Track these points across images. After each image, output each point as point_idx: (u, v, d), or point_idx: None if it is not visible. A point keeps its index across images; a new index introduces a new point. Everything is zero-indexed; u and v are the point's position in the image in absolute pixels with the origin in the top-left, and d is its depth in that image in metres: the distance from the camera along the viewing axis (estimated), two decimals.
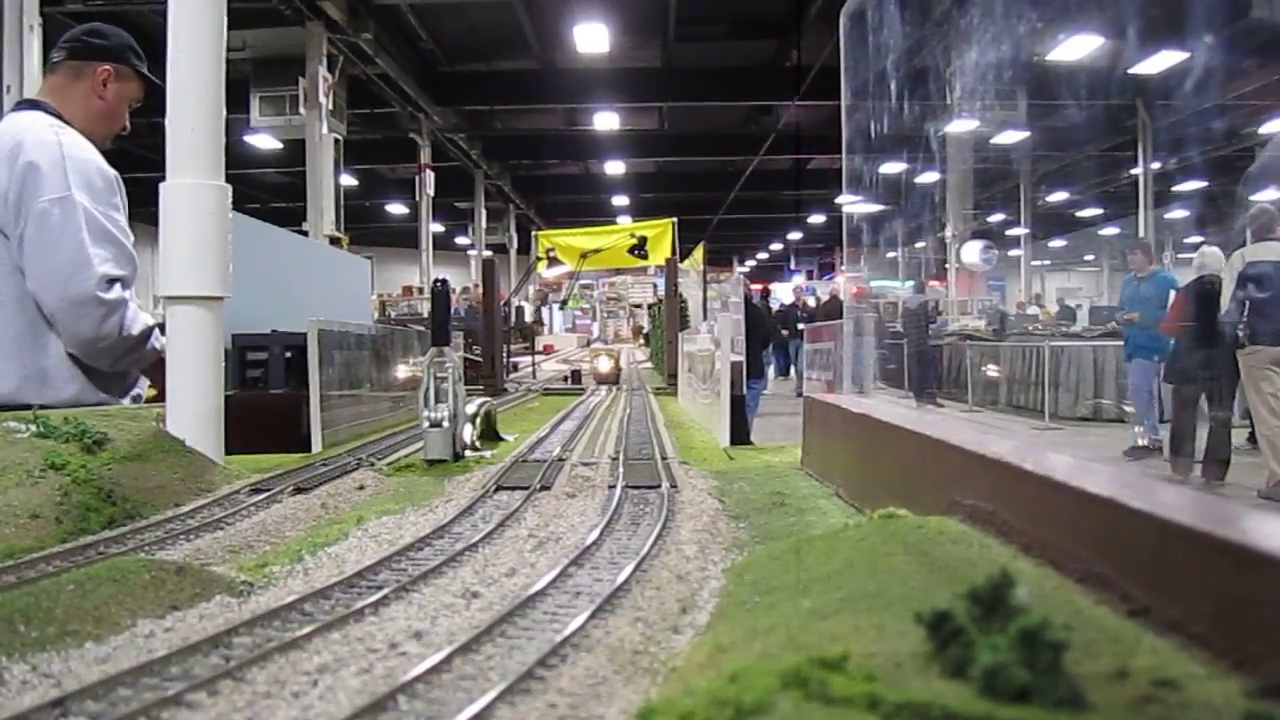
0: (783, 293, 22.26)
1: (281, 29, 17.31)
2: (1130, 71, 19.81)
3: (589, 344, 17.63)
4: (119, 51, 3.61)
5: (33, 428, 2.05)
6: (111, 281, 3.27)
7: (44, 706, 0.94)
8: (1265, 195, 10.69)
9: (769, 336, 17.29)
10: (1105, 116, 23.89)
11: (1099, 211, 37.90)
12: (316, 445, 3.18)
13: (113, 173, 3.44)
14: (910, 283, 28.63)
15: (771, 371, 19.46)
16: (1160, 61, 18.94)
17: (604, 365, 7.81)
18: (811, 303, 22.31)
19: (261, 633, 1.19)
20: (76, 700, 0.96)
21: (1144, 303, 10.97)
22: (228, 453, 2.63)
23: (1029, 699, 0.71)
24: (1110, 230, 37.69)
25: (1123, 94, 21.65)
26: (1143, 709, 0.72)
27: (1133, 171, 25.32)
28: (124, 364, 3.48)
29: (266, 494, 2.15)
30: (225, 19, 2.63)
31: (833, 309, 19.39)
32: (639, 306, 26.71)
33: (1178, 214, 28.95)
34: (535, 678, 1.01)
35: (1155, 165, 24.04)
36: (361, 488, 2.35)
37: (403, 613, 1.28)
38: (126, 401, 3.55)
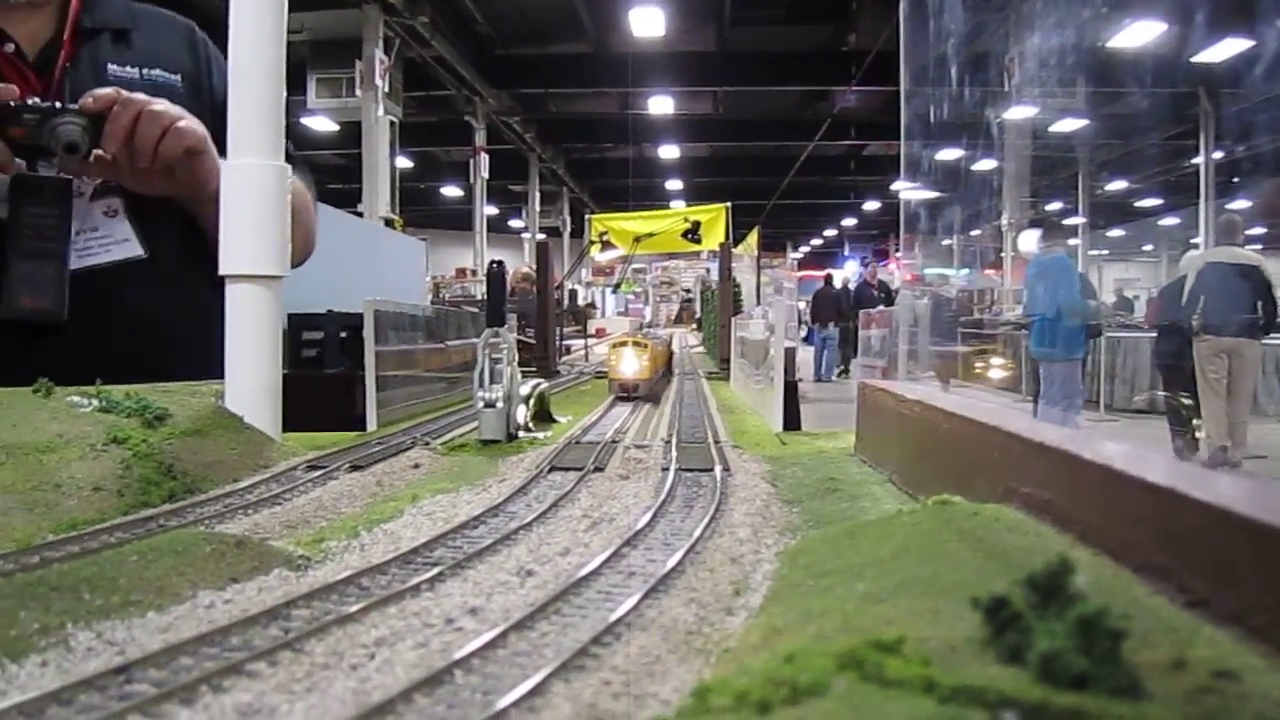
0: (843, 276, 21.81)
1: (339, 11, 17.44)
2: (1193, 59, 19.51)
3: (641, 328, 17.33)
4: None
5: (95, 402, 2.09)
6: None
7: (109, 672, 0.96)
8: None
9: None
10: (1166, 105, 23.55)
11: (1158, 201, 37.43)
12: (371, 424, 3.21)
13: None
14: (966, 270, 28.36)
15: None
16: (1224, 49, 18.63)
17: (630, 365, 4.33)
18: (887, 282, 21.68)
19: (319, 606, 1.21)
20: (140, 667, 0.98)
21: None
22: (284, 431, 2.65)
23: (1086, 686, 0.70)
24: (1170, 220, 37.20)
25: (1186, 82, 21.33)
26: (1201, 699, 0.71)
27: (1194, 161, 24.95)
28: None
29: (323, 471, 2.17)
30: (286, 1, 2.65)
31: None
32: (690, 291, 26.69)
33: (1240, 204, 28.52)
34: (590, 655, 1.02)
35: (1217, 155, 23.68)
36: (416, 466, 2.36)
37: (458, 589, 1.29)
38: None
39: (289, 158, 3.15)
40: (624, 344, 4.56)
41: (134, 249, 2.87)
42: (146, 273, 2.85)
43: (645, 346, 4.52)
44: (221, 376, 2.52)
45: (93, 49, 2.86)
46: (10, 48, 2.75)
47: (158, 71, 2.91)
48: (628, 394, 4.26)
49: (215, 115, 2.74)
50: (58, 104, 2.55)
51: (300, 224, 3.11)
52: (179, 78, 2.97)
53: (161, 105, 2.62)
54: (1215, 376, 9.80)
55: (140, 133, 2.56)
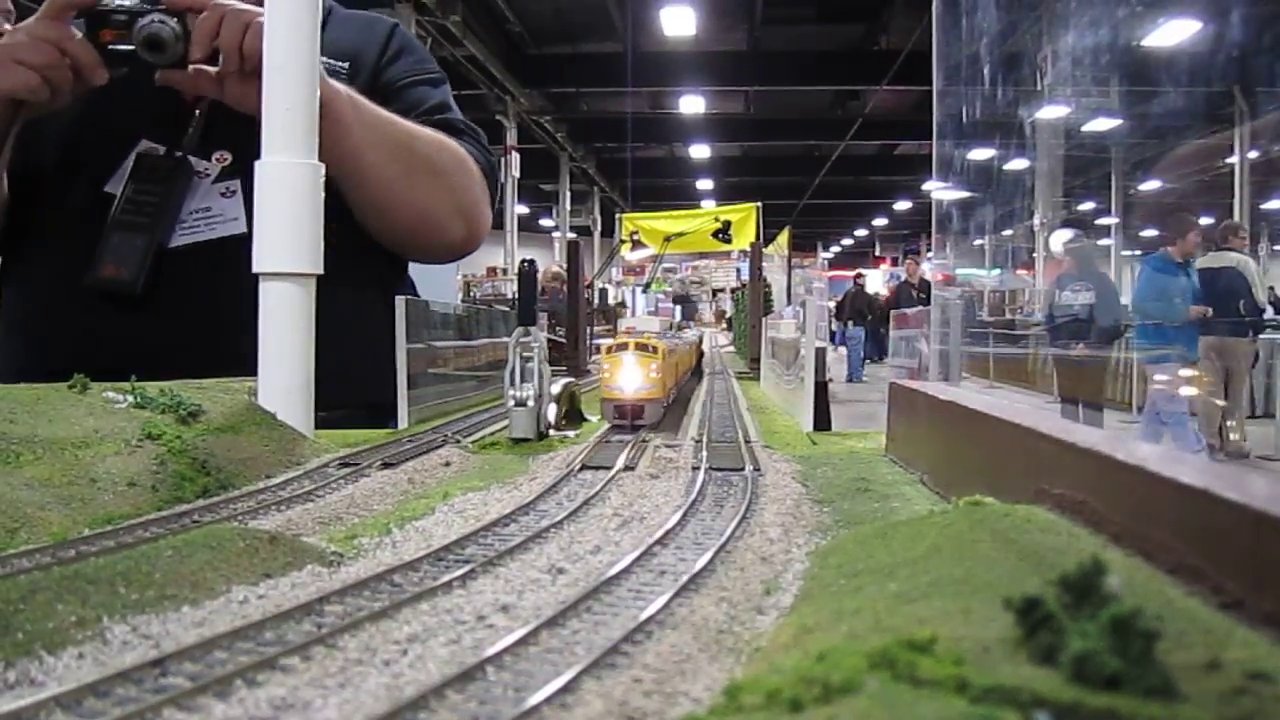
0: (875, 278, 21.69)
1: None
2: (1228, 58, 19.33)
3: (671, 327, 17.06)
4: None
5: (130, 398, 2.11)
6: None
7: (144, 665, 0.97)
8: None
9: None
10: (1201, 103, 23.34)
11: (1194, 201, 37.08)
12: (403, 422, 3.22)
13: None
14: (998, 270, 28.21)
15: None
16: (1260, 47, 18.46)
17: (631, 379, 2.93)
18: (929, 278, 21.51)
19: (352, 602, 1.22)
20: (175, 661, 0.99)
21: (1190, 294, 10.60)
22: (315, 428, 2.66)
23: (1119, 687, 0.70)
24: (1205, 220, 36.86)
25: (1223, 80, 21.13)
26: (1235, 701, 0.71)
27: (1228, 160, 24.73)
28: None
29: (355, 468, 2.18)
30: (320, 1, 2.65)
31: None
32: (721, 291, 26.61)
33: (1277, 204, 28.23)
34: (621, 653, 1.02)
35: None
36: (447, 464, 2.37)
37: (489, 586, 1.30)
38: None
39: (450, 125, 3.25)
40: (624, 347, 3.05)
41: (238, 227, 2.95)
42: (242, 249, 2.84)
43: (655, 351, 3.03)
44: (329, 359, 2.59)
45: None
46: None
47: (322, 58, 2.98)
48: (628, 421, 2.90)
49: (381, 95, 2.93)
50: (146, 4, 2.62)
51: (427, 186, 3.17)
52: (346, 64, 3.07)
53: (247, 6, 2.63)
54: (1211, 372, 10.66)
55: (224, 31, 2.59)
